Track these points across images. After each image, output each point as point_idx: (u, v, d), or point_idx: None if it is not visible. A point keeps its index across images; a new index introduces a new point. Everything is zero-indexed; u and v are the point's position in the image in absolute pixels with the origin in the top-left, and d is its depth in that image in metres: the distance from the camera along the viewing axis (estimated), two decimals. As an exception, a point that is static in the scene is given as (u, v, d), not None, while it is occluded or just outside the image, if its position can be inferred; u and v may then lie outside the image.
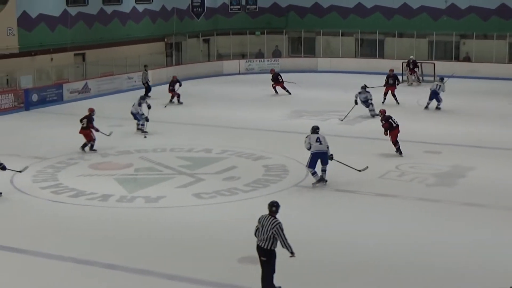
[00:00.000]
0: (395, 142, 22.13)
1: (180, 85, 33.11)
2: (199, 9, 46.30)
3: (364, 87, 28.91)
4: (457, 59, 42.88)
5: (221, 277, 13.18)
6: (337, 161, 18.85)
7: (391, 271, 13.39)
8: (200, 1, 46.19)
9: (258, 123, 27.60)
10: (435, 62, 40.09)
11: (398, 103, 31.68)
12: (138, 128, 25.90)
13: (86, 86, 35.67)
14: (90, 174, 20.60)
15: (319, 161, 18.72)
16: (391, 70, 33.14)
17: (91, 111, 23.72)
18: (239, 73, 43.95)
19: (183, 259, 14.13)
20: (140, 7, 42.10)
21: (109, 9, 39.92)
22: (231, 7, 47.80)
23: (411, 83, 38.66)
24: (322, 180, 18.71)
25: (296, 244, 14.84)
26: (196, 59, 44.45)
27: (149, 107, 26.18)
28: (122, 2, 40.88)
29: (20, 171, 19.44)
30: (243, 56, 45.76)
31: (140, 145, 23.76)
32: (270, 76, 35.85)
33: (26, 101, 32.08)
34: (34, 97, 32.61)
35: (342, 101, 32.80)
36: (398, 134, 22.17)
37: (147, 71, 35.50)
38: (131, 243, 15.11)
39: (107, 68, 37.86)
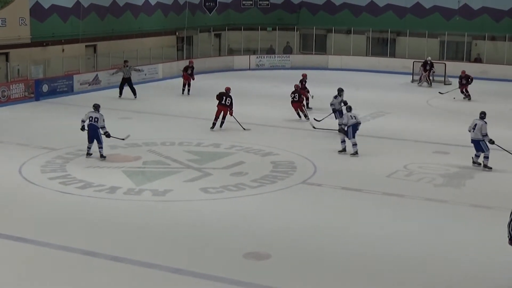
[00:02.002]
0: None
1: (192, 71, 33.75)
2: (212, 4, 46.27)
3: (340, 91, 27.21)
4: (468, 60, 42.76)
5: (226, 272, 13.17)
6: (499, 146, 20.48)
7: (394, 270, 13.39)
8: (212, -5, 46.23)
9: (267, 119, 27.60)
10: (446, 62, 39.93)
11: (470, 99, 33.35)
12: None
13: (96, 78, 35.74)
14: (98, 166, 20.65)
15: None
16: (463, 72, 34.05)
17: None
18: (249, 69, 43.96)
19: (189, 253, 14.15)
20: (153, 0, 42.11)
21: (121, 1, 39.96)
22: (243, 2, 47.78)
23: (422, 84, 38.51)
24: (485, 166, 20.39)
25: (301, 242, 14.91)
26: (207, 53, 44.46)
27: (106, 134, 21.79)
28: (134, -6, 40.97)
29: (123, 139, 22.04)
30: (254, 51, 45.75)
31: (149, 138, 23.78)
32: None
33: (37, 92, 32.16)
34: (45, 88, 32.69)
35: (352, 99, 32.75)
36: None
37: (127, 66, 34.09)
38: (137, 236, 15.14)
39: (118, 60, 37.85)
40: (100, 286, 12.66)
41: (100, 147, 21.13)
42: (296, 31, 46.83)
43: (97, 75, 35.87)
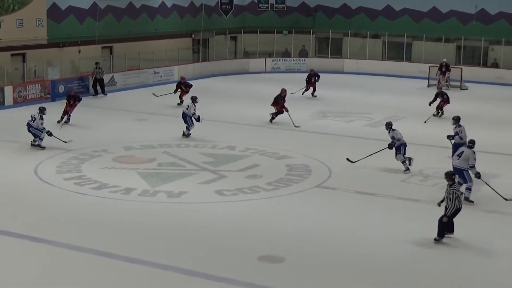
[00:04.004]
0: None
1: (189, 87, 31.94)
2: (228, 6, 46.36)
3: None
4: (484, 65, 42.57)
5: (240, 274, 13.20)
6: (485, 182, 18.20)
7: (406, 275, 13.38)
8: (229, -2, 46.33)
9: (282, 123, 27.58)
10: (463, 67, 39.78)
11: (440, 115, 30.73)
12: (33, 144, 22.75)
13: (112, 79, 35.86)
14: (113, 167, 20.72)
15: None
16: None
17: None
18: (265, 72, 43.94)
19: (203, 255, 14.17)
20: (169, 2, 42.21)
21: (138, 3, 40.07)
22: (260, 5, 47.83)
23: (441, 87, 38.39)
24: (466, 199, 17.78)
25: (315, 245, 14.90)
26: (223, 56, 44.50)
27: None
28: (151, -3, 41.11)
29: (65, 142, 22.58)
30: (269, 54, 45.74)
31: (164, 140, 23.82)
32: (307, 75, 36.05)
33: (53, 92, 32.32)
34: (61, 88, 32.82)
35: (368, 103, 32.77)
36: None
37: (99, 68, 34.13)
38: (151, 237, 15.18)
39: (133, 62, 38.03)
40: (114, 286, 12.71)
41: (35, 140, 22.58)
42: (312, 34, 46.81)
43: (112, 76, 35.99)
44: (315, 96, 34.59)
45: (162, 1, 41.75)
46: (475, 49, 43.01)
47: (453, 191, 14.61)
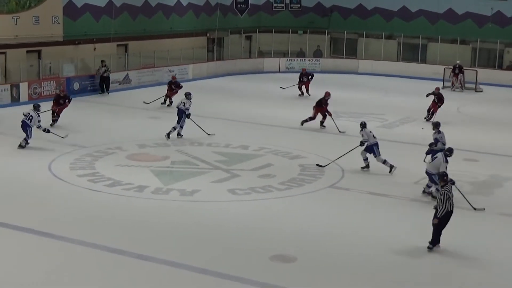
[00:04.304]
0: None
1: (179, 87, 30.96)
2: (243, 6, 46.40)
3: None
4: (500, 67, 42.43)
5: (252, 273, 13.23)
6: (458, 189, 17.46)
7: (419, 275, 13.38)
8: (244, -3, 46.38)
9: (296, 122, 27.58)
10: (478, 69, 39.63)
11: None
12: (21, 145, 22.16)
13: (127, 77, 35.98)
14: (127, 165, 20.79)
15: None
16: (437, 88, 30.32)
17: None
18: (279, 71, 43.93)
19: (215, 254, 14.20)
20: (184, 1, 42.29)
21: (153, 1, 40.17)
22: (275, 5, 47.85)
23: (455, 89, 38.36)
24: (430, 194, 18.22)
25: (328, 245, 14.91)
26: (237, 55, 44.54)
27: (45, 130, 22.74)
28: (167, -5, 41.20)
29: (63, 137, 22.44)
30: (284, 54, 45.74)
31: (178, 138, 23.85)
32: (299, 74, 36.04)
33: (68, 89, 32.41)
34: (76, 86, 32.97)
35: (382, 104, 32.72)
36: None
37: (105, 66, 34.02)
38: (164, 235, 15.23)
39: (148, 60, 38.12)
40: (125, 284, 12.77)
41: (25, 139, 21.98)
42: (327, 34, 46.74)
43: (127, 74, 36.10)
44: (309, 94, 34.58)
45: (178, 0, 41.84)
46: (491, 51, 42.86)
47: (444, 192, 14.36)
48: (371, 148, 20.61)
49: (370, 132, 20.83)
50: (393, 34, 45.02)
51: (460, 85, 38.48)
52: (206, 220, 16.21)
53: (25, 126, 21.97)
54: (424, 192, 18.37)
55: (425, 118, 28.78)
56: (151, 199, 17.70)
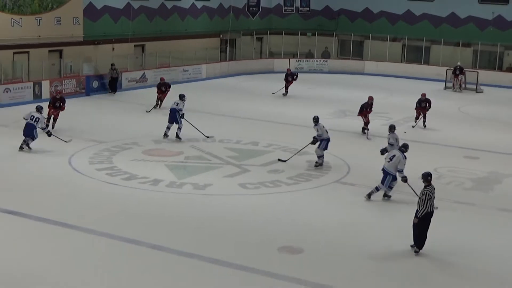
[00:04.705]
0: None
1: (169, 87, 29.83)
2: (255, 8, 46.41)
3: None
4: (500, 69, 42.26)
5: (261, 264, 13.24)
6: (410, 186, 17.16)
7: (415, 270, 13.36)
8: (256, 0, 46.34)
9: (304, 120, 27.50)
10: (479, 70, 39.52)
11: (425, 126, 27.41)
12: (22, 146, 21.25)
13: (143, 76, 36.04)
14: (143, 159, 20.84)
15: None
16: (424, 95, 28.02)
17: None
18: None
19: (226, 245, 14.22)
20: (199, 4, 42.32)
21: (169, 4, 40.22)
22: (285, 8, 47.81)
23: (456, 89, 38.27)
24: (385, 195, 17.62)
25: (333, 238, 14.91)
26: (249, 56, 44.54)
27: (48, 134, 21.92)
28: (182, -2, 41.25)
29: (66, 141, 21.69)
30: (293, 55, 45.70)
31: (191, 135, 23.82)
32: (285, 75, 35.41)
33: (87, 87, 32.55)
34: (95, 84, 33.06)
35: (386, 103, 32.64)
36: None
37: (115, 69, 33.51)
38: (178, 226, 15.27)
39: (164, 60, 38.18)
40: (140, 272, 12.80)
41: (30, 141, 21.08)
42: (335, 37, 46.65)
43: (144, 73, 36.17)
44: (286, 94, 34.42)
45: (193, 2, 41.88)
46: (491, 54, 42.70)
47: (426, 192, 13.74)
48: (326, 143, 20.43)
49: (323, 127, 20.60)
50: (397, 36, 44.89)
51: (459, 85, 38.39)
52: (218, 213, 16.23)
53: (31, 129, 20.94)
54: (385, 196, 17.57)
55: (416, 125, 27.29)
56: (166, 192, 17.73)
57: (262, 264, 13.24)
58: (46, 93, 30.68)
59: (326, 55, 46.38)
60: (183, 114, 23.43)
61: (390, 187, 17.46)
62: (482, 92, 37.93)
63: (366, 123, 25.59)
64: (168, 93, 29.51)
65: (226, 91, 35.20)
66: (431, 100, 27.56)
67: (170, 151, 21.86)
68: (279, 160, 21.04)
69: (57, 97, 24.67)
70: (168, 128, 23.46)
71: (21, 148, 20.97)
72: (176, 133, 23.34)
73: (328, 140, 20.50)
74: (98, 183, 18.38)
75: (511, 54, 42.05)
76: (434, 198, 13.82)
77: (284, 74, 35.26)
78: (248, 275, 12.81)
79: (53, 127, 23.67)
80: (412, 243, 13.99)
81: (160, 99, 29.55)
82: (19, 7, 32.03)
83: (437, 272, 13.27)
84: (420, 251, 13.87)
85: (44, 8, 33.07)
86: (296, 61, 44.95)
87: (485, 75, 39.62)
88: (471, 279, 13.03)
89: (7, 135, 22.79)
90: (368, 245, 14.36)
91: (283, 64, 44.06)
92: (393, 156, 17.14)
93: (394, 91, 37.34)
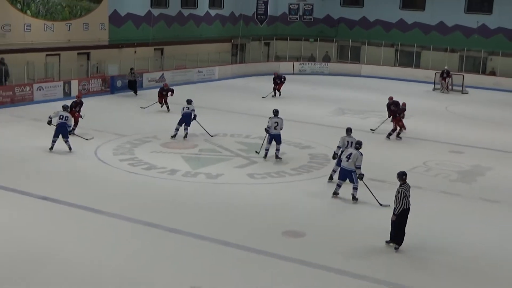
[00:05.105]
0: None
1: (172, 94, 28.10)
2: (263, 16, 46.34)
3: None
4: (483, 72, 42.08)
5: (268, 246, 13.24)
6: (365, 184, 16.43)
7: (406, 257, 13.33)
8: (264, 9, 46.25)
9: (307, 117, 27.54)
10: (464, 74, 39.38)
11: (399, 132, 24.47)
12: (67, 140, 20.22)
13: (162, 76, 35.99)
14: (161, 151, 20.84)
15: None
16: (391, 98, 25.64)
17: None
18: (293, 73, 43.78)
19: (236, 229, 14.23)
20: (213, 12, 42.28)
21: (186, 12, 40.19)
22: (290, 16, 47.70)
23: (443, 91, 38.16)
24: (353, 197, 16.38)
25: (332, 222, 14.89)
26: (257, 59, 44.41)
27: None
28: (197, 7, 41.12)
29: (87, 139, 21.16)
30: (297, 59, 45.57)
31: (206, 129, 23.83)
32: (273, 78, 34.12)
33: (112, 86, 32.55)
34: (119, 83, 33.03)
35: (381, 103, 32.52)
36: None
37: (133, 73, 32.78)
38: (192, 211, 15.28)
39: (181, 62, 38.15)
40: (157, 252, 12.80)
41: (66, 141, 20.00)
42: (334, 42, 46.52)
43: (163, 74, 36.13)
44: (280, 94, 33.41)
45: (207, 11, 41.84)
46: (476, 59, 42.50)
47: (401, 190, 13.09)
48: (278, 137, 20.06)
49: (275, 123, 20.08)
50: (391, 42, 44.73)
51: (446, 87, 38.26)
52: (228, 200, 16.23)
53: (63, 127, 19.89)
54: (335, 194, 16.59)
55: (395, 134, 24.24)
56: (181, 181, 17.74)
57: (268, 246, 13.24)
58: (75, 91, 30.66)
59: (326, 59, 46.24)
60: (196, 115, 22.77)
61: (339, 185, 16.54)
62: (467, 93, 37.77)
63: (401, 127, 24.07)
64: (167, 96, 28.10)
65: (237, 91, 35.15)
66: (399, 103, 24.87)
67: (185, 144, 21.85)
68: (256, 152, 20.77)
69: (77, 101, 22.72)
70: (177, 129, 22.62)
71: (51, 148, 20.01)
72: (186, 133, 22.64)
73: (271, 135, 20.02)
74: (121, 172, 18.40)
75: (494, 60, 41.83)
76: (409, 196, 13.18)
77: (272, 78, 34.16)
78: (255, 255, 12.81)
79: (73, 130, 22.02)
80: (388, 239, 13.41)
81: (159, 101, 27.98)
82: (51, 14, 32.06)
83: (415, 256, 13.23)
84: (400, 247, 13.30)
85: (74, 15, 33.09)
86: (300, 64, 44.84)
87: (470, 78, 39.46)
88: (447, 262, 13.01)
89: (40, 129, 22.79)
90: (361, 226, 14.34)
91: (288, 66, 44.06)
92: (350, 154, 16.11)
93: (388, 92, 37.08)
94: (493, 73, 41.69)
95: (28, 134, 22.55)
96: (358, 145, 16.42)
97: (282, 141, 20.27)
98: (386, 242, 13.43)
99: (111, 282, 11.44)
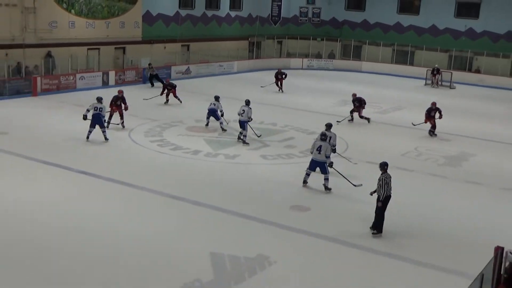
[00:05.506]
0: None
1: (174, 88, 26.65)
2: (276, 18, 46.13)
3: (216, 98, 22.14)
4: (469, 70, 41.75)
5: (277, 218, 13.30)
6: (336, 170, 15.76)
7: (400, 227, 13.32)
8: (277, 12, 46.03)
9: (313, 107, 27.47)
10: (453, 71, 39.14)
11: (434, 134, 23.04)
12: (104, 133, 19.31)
13: (188, 69, 36.02)
14: (186, 134, 20.88)
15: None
16: (434, 104, 23.32)
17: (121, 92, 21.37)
18: (302, 68, 43.70)
19: (250, 203, 14.27)
20: (233, 13, 42.14)
21: (209, 13, 40.08)
22: (300, 18, 47.46)
23: (434, 86, 37.95)
24: (325, 188, 15.38)
25: (334, 198, 14.88)
26: (271, 55, 44.29)
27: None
28: (219, 8, 40.98)
29: (123, 127, 20.50)
30: (306, 55, 45.42)
31: (225, 116, 23.75)
32: (275, 73, 33.02)
33: (144, 77, 32.58)
34: (149, 75, 33.01)
35: (379, 95, 32.42)
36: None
37: (151, 67, 31.92)
38: (212, 187, 15.33)
39: (204, 57, 38.13)
40: (182, 222, 12.86)
41: (104, 131, 19.18)
42: (339, 42, 46.27)
43: (188, 67, 36.15)
44: (282, 91, 31.87)
45: (228, 12, 41.69)
46: (463, 58, 42.16)
47: (382, 178, 12.50)
48: (242, 123, 19.79)
49: (251, 110, 19.85)
50: (389, 43, 44.44)
51: (436, 83, 38.04)
52: (243, 177, 16.27)
53: (99, 118, 19.03)
54: (305, 182, 15.66)
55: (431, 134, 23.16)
56: (203, 160, 17.79)
57: (277, 218, 13.30)
58: (112, 81, 30.84)
59: (331, 56, 46.04)
60: (223, 112, 21.91)
61: (308, 174, 15.57)
62: (454, 88, 37.52)
63: (433, 126, 22.73)
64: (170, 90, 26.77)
65: (253, 83, 35.08)
66: (441, 109, 23.12)
67: (207, 129, 21.86)
68: (258, 136, 20.63)
69: (119, 96, 21.23)
70: (208, 118, 21.86)
71: (87, 138, 19.09)
72: (221, 127, 21.76)
73: (246, 122, 19.70)
74: (151, 152, 18.47)
75: (479, 59, 41.47)
76: (390, 183, 12.56)
77: (275, 72, 33.13)
78: (266, 226, 12.86)
79: (122, 124, 21.13)
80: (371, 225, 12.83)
81: (167, 94, 26.61)
82: (93, 13, 32.07)
83: (404, 232, 13.23)
84: (376, 232, 12.68)
85: (112, 14, 33.09)
86: (308, 60, 44.68)
87: (457, 75, 39.22)
88: (441, 228, 13.00)
89: (80, 113, 22.61)
90: (358, 202, 14.33)
91: (297, 62, 43.94)
92: (320, 146, 15.21)
93: (385, 86, 37.03)
94: (478, 71, 41.34)
95: (70, 116, 22.64)
96: (324, 136, 15.51)
97: (291, 126, 20.13)
98: (370, 228, 12.81)
99: (142, 248, 11.53)
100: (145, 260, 10.95)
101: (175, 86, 26.97)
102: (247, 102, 20.37)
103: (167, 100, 26.58)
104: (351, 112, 24.60)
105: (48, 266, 10.55)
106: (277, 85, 32.52)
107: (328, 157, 15.37)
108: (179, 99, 26.64)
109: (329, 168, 15.35)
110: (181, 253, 11.33)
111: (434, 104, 22.90)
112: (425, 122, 22.88)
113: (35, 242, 11.43)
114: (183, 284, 10.07)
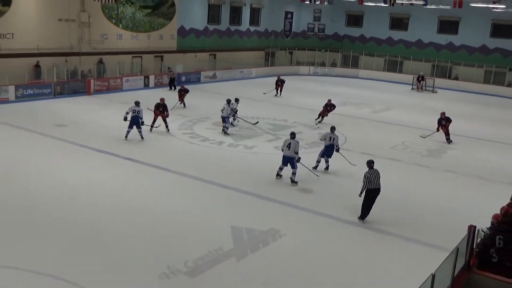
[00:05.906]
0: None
1: (185, 93, 25.05)
2: (288, 32, 45.94)
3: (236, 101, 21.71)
4: (449, 77, 41.31)
5: (285, 198, 13.33)
6: (303, 164, 14.99)
7: (390, 209, 13.23)
8: (289, 27, 45.85)
9: (318, 107, 27.25)
10: (435, 78, 38.76)
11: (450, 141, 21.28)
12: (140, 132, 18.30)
13: (214, 74, 36.02)
14: (212, 128, 20.89)
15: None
16: (443, 114, 21.47)
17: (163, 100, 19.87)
18: (309, 74, 43.49)
19: (264, 185, 14.28)
20: (252, 28, 42.00)
21: (233, 28, 40.00)
22: (308, 32, 47.19)
23: (419, 90, 37.62)
24: (292, 181, 14.49)
25: (334, 182, 14.82)
26: (283, 63, 44.12)
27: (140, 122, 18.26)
28: (241, 24, 40.87)
29: (156, 126, 19.38)
30: (312, 64, 45.19)
31: (243, 114, 23.71)
32: (275, 81, 31.60)
33: (178, 80, 32.61)
34: (183, 78, 33.12)
35: (373, 98, 32.20)
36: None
37: (171, 71, 31.07)
38: (232, 171, 15.35)
39: (228, 64, 38.10)
40: (206, 200, 12.91)
41: (140, 131, 18.14)
42: (340, 52, 45.97)
43: (215, 72, 36.13)
44: (281, 96, 30.45)
45: (248, 27, 41.57)
46: (444, 67, 41.70)
47: (365, 175, 11.89)
48: (224, 118, 19.66)
49: (229, 107, 19.65)
50: (382, 54, 44.08)
51: (421, 88, 37.70)
52: (259, 165, 16.26)
53: (137, 120, 17.98)
54: (278, 175, 14.79)
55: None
56: (226, 150, 17.81)
57: (285, 198, 13.33)
58: (152, 83, 30.93)
59: (334, 64, 45.72)
60: (237, 110, 21.45)
61: (281, 168, 14.71)
62: (436, 92, 37.17)
63: (446, 133, 21.12)
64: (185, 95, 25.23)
65: (268, 87, 34.96)
66: (450, 118, 21.41)
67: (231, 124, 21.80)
68: (254, 124, 20.67)
69: (161, 103, 19.75)
70: (234, 119, 21.42)
71: (126, 137, 18.11)
72: (232, 123, 21.11)
73: (227, 117, 19.74)
74: (183, 142, 18.53)
75: (457, 68, 41.02)
76: (374, 178, 11.84)
77: (275, 80, 31.78)
78: (277, 205, 12.88)
79: (167, 128, 19.80)
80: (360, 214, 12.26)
81: (181, 99, 25.06)
82: (137, 27, 32.17)
83: (391, 216, 13.14)
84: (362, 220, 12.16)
85: (152, 28, 33.16)
86: (314, 68, 44.45)
87: (439, 81, 38.83)
88: (420, 207, 12.91)
89: (125, 110, 22.81)
90: (356, 185, 14.26)
91: (305, 69, 43.71)
92: (289, 144, 14.31)
93: (378, 90, 36.77)
94: (456, 78, 40.91)
95: (117, 113, 22.70)
96: (293, 135, 14.62)
97: (299, 122, 20.05)
98: (359, 218, 12.20)
99: (176, 221, 11.62)
100: (178, 230, 11.05)
101: (188, 91, 25.30)
102: (228, 101, 20.27)
103: (184, 104, 25.02)
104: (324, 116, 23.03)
105: (101, 226, 10.66)
106: (277, 90, 31.33)
107: (296, 153, 14.32)
108: (183, 103, 25.03)
109: (297, 163, 14.40)
110: (207, 226, 11.40)
111: (443, 114, 21.17)
112: (437, 131, 21.15)
113: (90, 211, 11.55)
114: (207, 252, 10.14)
